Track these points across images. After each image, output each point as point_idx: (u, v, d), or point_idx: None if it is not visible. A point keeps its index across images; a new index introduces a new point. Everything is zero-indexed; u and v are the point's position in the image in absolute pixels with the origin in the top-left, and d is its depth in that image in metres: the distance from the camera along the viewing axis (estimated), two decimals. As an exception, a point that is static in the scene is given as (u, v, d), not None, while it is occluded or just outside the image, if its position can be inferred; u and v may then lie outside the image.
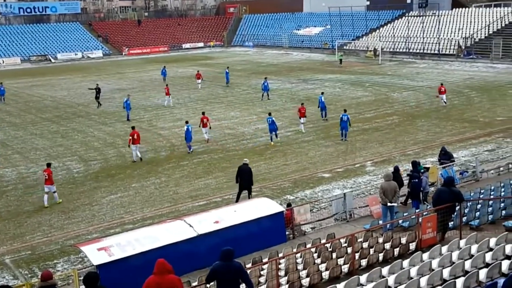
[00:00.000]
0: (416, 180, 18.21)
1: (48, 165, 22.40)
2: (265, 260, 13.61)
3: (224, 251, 9.37)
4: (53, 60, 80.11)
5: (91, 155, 28.60)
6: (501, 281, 9.30)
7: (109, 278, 13.04)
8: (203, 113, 30.56)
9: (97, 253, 13.82)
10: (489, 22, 65.32)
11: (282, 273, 12.83)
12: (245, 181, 20.59)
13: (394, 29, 73.76)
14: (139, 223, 19.36)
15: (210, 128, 29.99)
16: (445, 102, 36.16)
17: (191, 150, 27.96)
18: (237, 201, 20.27)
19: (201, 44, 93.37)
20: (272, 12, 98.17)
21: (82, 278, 9.95)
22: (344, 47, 74.57)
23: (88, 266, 15.25)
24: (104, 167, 26.50)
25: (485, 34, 63.86)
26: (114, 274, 13.54)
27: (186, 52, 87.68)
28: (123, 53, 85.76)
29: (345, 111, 29.48)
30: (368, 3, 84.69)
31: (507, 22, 64.31)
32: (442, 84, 37.14)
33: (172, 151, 28.63)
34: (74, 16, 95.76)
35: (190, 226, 15.27)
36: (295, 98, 41.42)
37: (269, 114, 29.73)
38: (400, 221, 16.37)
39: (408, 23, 72.03)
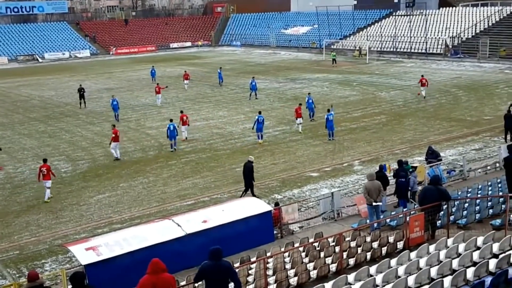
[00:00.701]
0: (403, 179, 18.26)
1: (45, 160, 22.72)
2: (253, 259, 13.61)
3: (213, 251, 9.33)
4: (40, 60, 79.53)
5: (78, 155, 28.44)
6: (488, 279, 9.38)
7: (97, 278, 12.99)
8: (181, 112, 30.81)
9: (85, 253, 13.76)
10: (476, 21, 65.83)
11: (270, 272, 12.83)
12: (244, 178, 21.05)
13: (381, 28, 74.08)
14: (127, 222, 19.29)
15: (188, 125, 30.37)
16: (424, 97, 36.38)
17: (174, 147, 27.94)
18: (241, 196, 20.62)
19: (188, 44, 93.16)
20: (260, 12, 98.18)
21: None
22: (332, 47, 74.73)
23: (76, 265, 15.16)
24: (92, 166, 26.36)
25: (472, 33, 64.34)
26: (102, 273, 13.49)
27: (173, 51, 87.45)
28: (111, 53, 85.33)
29: (328, 110, 29.55)
30: (355, 2, 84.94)
31: (493, 21, 64.85)
32: (422, 76, 37.46)
33: (160, 151, 28.54)
34: (61, 16, 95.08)
35: (178, 225, 15.24)
36: (282, 98, 41.47)
37: (259, 112, 29.76)
38: (388, 220, 16.44)
39: (396, 22, 72.38)
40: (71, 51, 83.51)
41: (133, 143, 30.16)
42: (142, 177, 24.33)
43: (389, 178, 19.28)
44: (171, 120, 28.70)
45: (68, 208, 21.05)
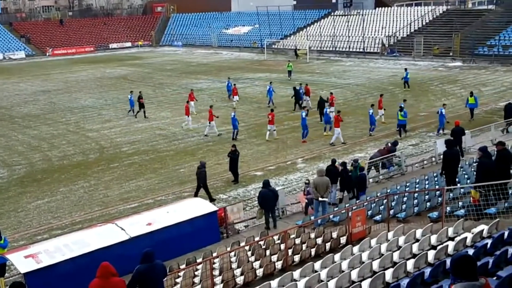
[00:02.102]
0: (364, 172, 18.91)
1: None
2: (199, 260, 13.56)
3: (146, 253, 9.41)
4: (-29, 62, 76.36)
5: (15, 160, 27.48)
6: (427, 270, 9.71)
7: (38, 286, 12.62)
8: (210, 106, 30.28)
9: (24, 261, 13.33)
10: (411, 20, 67.96)
11: (216, 272, 12.84)
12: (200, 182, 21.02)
13: (320, 28, 75.30)
14: (68, 228, 18.80)
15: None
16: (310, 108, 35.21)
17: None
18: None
19: (128, 44, 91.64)
20: (200, 12, 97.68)
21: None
22: (273, 46, 75.37)
23: (15, 274, 14.68)
24: (30, 171, 25.54)
25: (407, 32, 66.37)
26: (43, 282, 13.12)
27: (113, 52, 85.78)
28: (47, 54, 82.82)
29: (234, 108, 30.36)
30: (294, 2, 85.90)
31: (427, 21, 67.14)
32: (306, 85, 37.69)
33: (101, 154, 27.96)
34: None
35: (122, 229, 15.00)
36: (226, 98, 41.46)
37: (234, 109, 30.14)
38: (331, 216, 16.75)
39: (334, 22, 73.76)
40: (4, 52, 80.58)
41: (73, 146, 29.42)
42: (83, 181, 23.78)
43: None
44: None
45: (5, 215, 20.31)
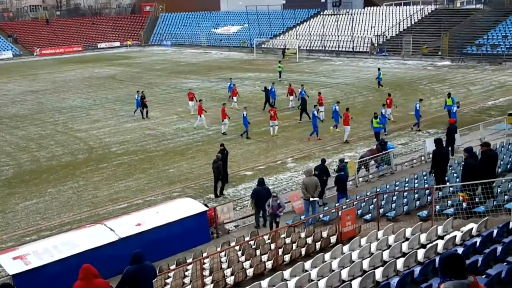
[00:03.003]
0: (342, 173, 18.83)
1: None
2: (189, 260, 13.51)
3: (136, 254, 9.38)
4: (-42, 62, 75.59)
5: (2, 161, 27.25)
6: (417, 269, 9.74)
7: (27, 288, 12.51)
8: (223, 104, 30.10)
9: (13, 262, 13.22)
10: (400, 20, 68.23)
11: (206, 273, 12.79)
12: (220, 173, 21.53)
13: (310, 27, 75.40)
14: (56, 229, 18.67)
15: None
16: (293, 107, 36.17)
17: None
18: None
19: (117, 44, 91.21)
20: (189, 11, 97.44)
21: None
22: (262, 46, 75.36)
23: (3, 276, 14.55)
24: (18, 172, 25.34)
25: (396, 31, 66.62)
26: (32, 283, 13.02)
27: (102, 51, 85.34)
28: (35, 54, 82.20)
29: (245, 108, 30.66)
30: (284, 1, 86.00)
31: (416, 20, 67.45)
32: (290, 85, 37.64)
33: (90, 154, 27.80)
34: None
35: (111, 230, 14.91)
36: (215, 97, 41.38)
37: (245, 107, 30.35)
38: (321, 216, 16.77)
39: (323, 21, 73.89)
40: (-9, 52, 79.95)
41: (62, 147, 29.22)
42: (72, 182, 23.62)
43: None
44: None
45: (-7, 216, 20.14)
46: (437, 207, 14.59)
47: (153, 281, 9.72)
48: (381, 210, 15.98)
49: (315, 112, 28.57)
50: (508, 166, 18.33)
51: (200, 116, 31.41)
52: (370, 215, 16.03)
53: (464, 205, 13.93)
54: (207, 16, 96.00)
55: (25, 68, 66.93)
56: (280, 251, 13.15)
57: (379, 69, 43.41)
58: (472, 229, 11.92)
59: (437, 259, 9.94)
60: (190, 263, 12.94)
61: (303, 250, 13.34)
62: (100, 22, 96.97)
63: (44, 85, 52.06)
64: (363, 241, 12.89)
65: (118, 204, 20.89)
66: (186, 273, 13.15)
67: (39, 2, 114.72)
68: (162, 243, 15.12)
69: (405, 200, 16.69)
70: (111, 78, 54.49)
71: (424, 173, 19.35)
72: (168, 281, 12.70)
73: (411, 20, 67.58)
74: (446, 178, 16.99)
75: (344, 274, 10.52)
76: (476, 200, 13.86)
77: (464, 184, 13.88)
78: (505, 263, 9.30)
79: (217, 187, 21.29)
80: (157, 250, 14.56)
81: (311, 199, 16.84)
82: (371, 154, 22.27)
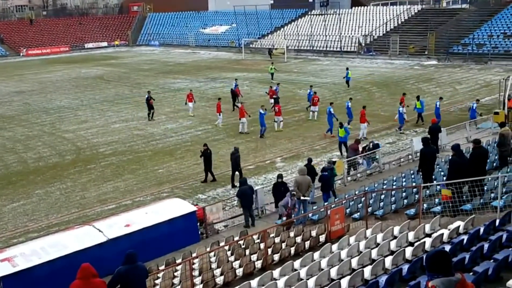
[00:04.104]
0: (326, 173, 18.84)
1: None
2: (178, 261, 13.51)
3: (129, 254, 9.40)
4: None
5: (-11, 162, 27.05)
6: (405, 267, 9.81)
7: (15, 291, 12.43)
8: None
9: (0, 265, 13.10)
10: (387, 20, 68.59)
11: (196, 273, 12.80)
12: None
13: (297, 27, 75.52)
14: (44, 231, 18.55)
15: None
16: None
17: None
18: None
19: (104, 44, 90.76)
20: (177, 11, 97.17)
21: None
22: (251, 45, 75.36)
23: (-10, 279, 14.41)
24: (4, 174, 25.14)
25: (383, 31, 66.95)
26: (20, 285, 12.92)
27: (89, 52, 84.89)
28: (21, 54, 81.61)
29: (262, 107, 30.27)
30: (272, 1, 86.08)
31: (403, 20, 67.85)
32: (271, 87, 37.30)
33: (78, 155, 27.65)
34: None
35: (100, 231, 14.85)
36: (204, 97, 41.34)
37: (262, 106, 29.98)
38: (310, 215, 16.83)
39: (311, 21, 74.05)
40: (-23, 53, 79.28)
41: (49, 148, 29.04)
42: (59, 183, 23.48)
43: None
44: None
45: (-20, 218, 19.98)
46: (425, 205, 14.70)
47: (145, 280, 9.75)
48: (370, 209, 16.07)
49: (331, 110, 28.69)
50: (494, 164, 18.50)
51: (219, 115, 31.77)
52: (358, 213, 16.12)
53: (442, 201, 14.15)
54: (195, 16, 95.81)
55: (12, 69, 66.39)
56: (270, 250, 13.18)
57: (347, 69, 43.69)
58: (459, 227, 12.04)
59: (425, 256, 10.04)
60: (180, 264, 12.93)
61: (292, 250, 13.38)
62: (87, 22, 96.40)
63: (31, 85, 51.68)
64: (352, 239, 12.96)
65: (106, 205, 20.80)
66: (175, 274, 13.14)
67: (25, 2, 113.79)
68: (151, 244, 15.09)
69: (393, 198, 16.80)
70: (99, 79, 54.24)
71: (411, 171, 19.49)
72: (157, 281, 12.70)
73: (398, 20, 67.97)
74: (433, 177, 17.12)
75: (333, 272, 10.58)
76: (464, 198, 13.98)
77: (449, 182, 14.00)
78: (491, 261, 9.40)
79: (234, 177, 21.96)
80: (146, 250, 14.50)
81: (302, 198, 16.91)
82: (353, 150, 22.37)
